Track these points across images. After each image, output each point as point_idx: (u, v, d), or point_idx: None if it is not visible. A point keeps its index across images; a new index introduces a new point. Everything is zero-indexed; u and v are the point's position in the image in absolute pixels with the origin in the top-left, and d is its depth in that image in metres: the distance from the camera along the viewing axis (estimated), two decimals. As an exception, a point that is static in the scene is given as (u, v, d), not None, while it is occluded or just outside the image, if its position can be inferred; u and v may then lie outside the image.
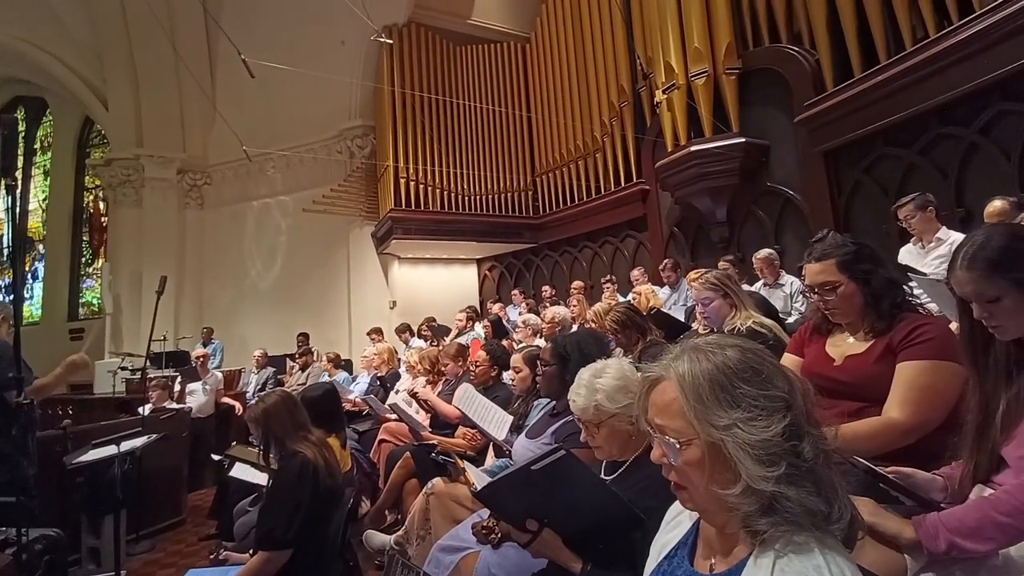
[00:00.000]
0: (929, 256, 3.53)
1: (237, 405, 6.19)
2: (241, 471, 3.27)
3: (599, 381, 1.51)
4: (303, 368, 6.54)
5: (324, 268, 9.72)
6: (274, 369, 7.01)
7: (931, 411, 1.40)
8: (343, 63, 8.88)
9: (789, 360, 1.77)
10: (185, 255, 10.39)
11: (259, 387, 6.55)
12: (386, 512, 3.40)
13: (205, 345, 8.11)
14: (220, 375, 6.48)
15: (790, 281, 4.66)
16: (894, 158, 4.88)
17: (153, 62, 9.95)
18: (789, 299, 4.59)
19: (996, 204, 2.98)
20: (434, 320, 7.24)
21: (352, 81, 8.80)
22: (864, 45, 4.92)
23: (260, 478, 2.96)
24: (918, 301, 1.77)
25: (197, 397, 5.86)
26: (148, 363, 5.15)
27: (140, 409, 4.80)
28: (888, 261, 1.69)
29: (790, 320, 4.13)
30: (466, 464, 2.17)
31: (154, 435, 3.53)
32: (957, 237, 3.43)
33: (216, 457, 4.26)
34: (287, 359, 7.85)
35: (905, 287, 1.62)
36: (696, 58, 5.98)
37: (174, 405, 5.28)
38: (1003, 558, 1.06)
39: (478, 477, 1.99)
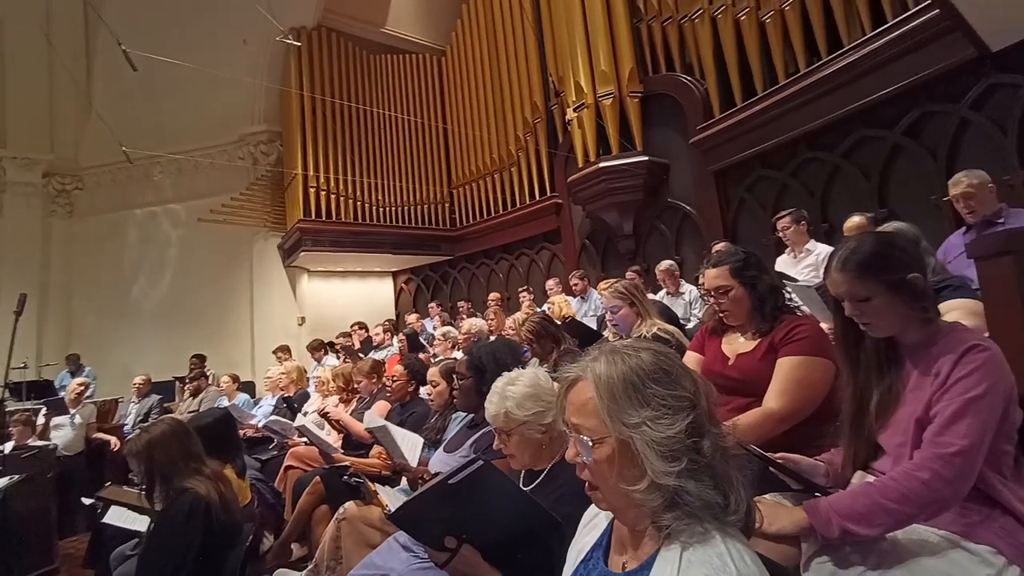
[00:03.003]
0: (800, 265, 3.99)
1: (113, 440, 5.48)
2: (117, 516, 2.88)
3: (510, 389, 1.52)
4: (195, 393, 5.94)
5: (223, 283, 8.96)
6: (160, 397, 6.29)
7: (803, 401, 1.55)
8: (245, 64, 8.34)
9: (691, 357, 1.90)
10: (50, 270, 9.08)
11: (140, 418, 5.86)
12: (292, 545, 3.15)
13: (73, 374, 7.13)
14: (93, 406, 5.72)
15: (689, 290, 5.02)
16: (770, 179, 5.46)
17: (21, 51, 8.67)
18: (688, 306, 4.93)
19: (855, 220, 3.40)
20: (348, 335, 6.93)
21: (255, 83, 8.28)
22: (744, 77, 5.47)
23: (139, 523, 2.61)
24: (796, 304, 1.97)
25: (64, 432, 5.13)
26: (6, 394, 4.45)
27: (1, 447, 4.16)
28: (771, 269, 1.87)
29: (689, 326, 4.42)
30: (378, 486, 2.06)
31: (15, 476, 3.07)
32: (823, 248, 3.91)
33: (87, 501, 3.74)
34: (176, 382, 7.10)
35: (784, 292, 1.80)
36: (603, 80, 6.33)
37: (37, 442, 4.60)
38: (891, 542, 1.12)
39: (392, 498, 1.90)
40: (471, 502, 1.25)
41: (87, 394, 5.69)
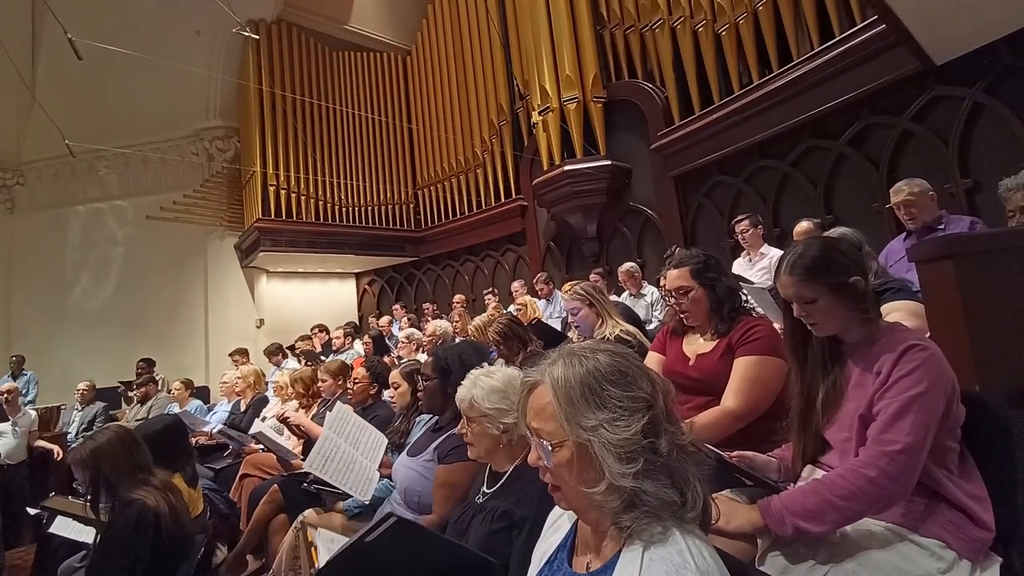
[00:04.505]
0: (755, 268, 4.17)
1: (56, 449, 5.18)
2: (63, 526, 2.76)
3: (483, 379, 1.55)
4: (142, 400, 5.66)
5: (175, 284, 8.58)
6: (105, 404, 5.96)
7: (758, 399, 1.62)
8: (198, 56, 7.99)
9: (653, 358, 1.95)
10: (-13, 269, 8.53)
11: (84, 426, 5.55)
12: (248, 556, 3.04)
13: (14, 378, 6.69)
14: (34, 414, 5.38)
15: (651, 291, 5.13)
16: (726, 185, 5.65)
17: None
18: (650, 308, 5.04)
19: (803, 225, 3.57)
20: (309, 339, 6.75)
21: (210, 76, 7.96)
22: (702, 86, 5.64)
23: (86, 534, 2.50)
24: (751, 305, 2.04)
25: (6, 440, 4.83)
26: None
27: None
28: (729, 271, 1.94)
29: (651, 327, 4.52)
30: (316, 535, 2.01)
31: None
32: (776, 253, 4.09)
33: (32, 511, 3.54)
34: (123, 388, 6.75)
35: (741, 293, 1.87)
36: (568, 85, 6.41)
37: (-20, 450, 4.32)
38: (841, 535, 1.15)
39: (328, 544, 1.86)
40: (392, 557, 1.22)
41: (27, 400, 5.34)
